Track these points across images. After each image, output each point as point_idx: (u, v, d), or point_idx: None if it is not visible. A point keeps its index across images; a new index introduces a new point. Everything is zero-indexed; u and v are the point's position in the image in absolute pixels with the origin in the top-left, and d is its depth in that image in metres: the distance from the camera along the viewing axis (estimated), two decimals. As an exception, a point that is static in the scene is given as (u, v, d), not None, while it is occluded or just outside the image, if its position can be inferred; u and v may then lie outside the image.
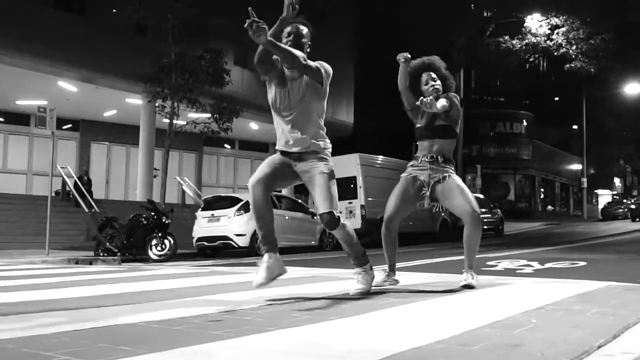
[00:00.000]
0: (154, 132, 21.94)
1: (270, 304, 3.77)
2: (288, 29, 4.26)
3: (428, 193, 4.70)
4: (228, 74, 17.40)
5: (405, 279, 5.54)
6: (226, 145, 29.96)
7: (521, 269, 7.87)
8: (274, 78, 4.28)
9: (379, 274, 4.79)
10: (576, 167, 50.23)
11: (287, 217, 15.53)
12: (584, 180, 46.15)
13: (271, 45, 3.92)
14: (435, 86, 4.76)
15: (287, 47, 4.06)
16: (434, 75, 4.80)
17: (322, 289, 4.77)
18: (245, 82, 23.95)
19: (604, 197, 56.76)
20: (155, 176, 22.44)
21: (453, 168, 4.79)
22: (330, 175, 4.20)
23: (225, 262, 11.61)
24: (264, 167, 4.27)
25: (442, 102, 4.52)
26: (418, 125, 4.86)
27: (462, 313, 3.41)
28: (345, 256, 4.55)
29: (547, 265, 8.37)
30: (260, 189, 4.15)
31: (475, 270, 4.82)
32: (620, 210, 44.73)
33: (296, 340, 2.60)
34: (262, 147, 31.65)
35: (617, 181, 63.45)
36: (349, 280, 5.46)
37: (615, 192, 59.10)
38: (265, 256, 4.15)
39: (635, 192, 61.93)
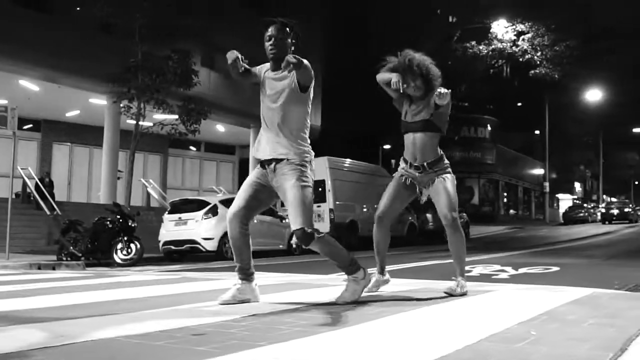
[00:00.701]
0: (118, 133, 21.49)
1: (254, 315, 3.60)
2: (268, 32, 4.12)
3: (422, 189, 4.77)
4: (196, 75, 17.11)
5: (385, 286, 5.41)
6: (192, 148, 29.56)
7: (496, 275, 7.84)
8: (256, 81, 4.25)
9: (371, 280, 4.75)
10: (538, 171, 51.00)
11: (255, 221, 15.27)
12: (546, 184, 46.87)
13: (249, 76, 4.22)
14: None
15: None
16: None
17: (305, 297, 4.61)
18: (212, 84, 23.64)
19: (565, 201, 57.79)
20: (119, 178, 21.98)
21: (444, 164, 4.71)
22: (303, 187, 4.03)
23: (193, 267, 11.36)
24: (243, 192, 4.22)
25: (449, 97, 4.50)
26: (402, 119, 4.84)
27: (456, 324, 3.29)
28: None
29: (522, 270, 8.36)
30: (236, 224, 4.16)
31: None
32: (581, 215, 45.65)
33: (289, 357, 2.44)
34: (229, 149, 31.34)
35: (577, 186, 64.65)
36: (331, 287, 5.32)
37: (575, 197, 60.24)
38: (238, 282, 4.25)
39: (594, 197, 63.22)
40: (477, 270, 8.44)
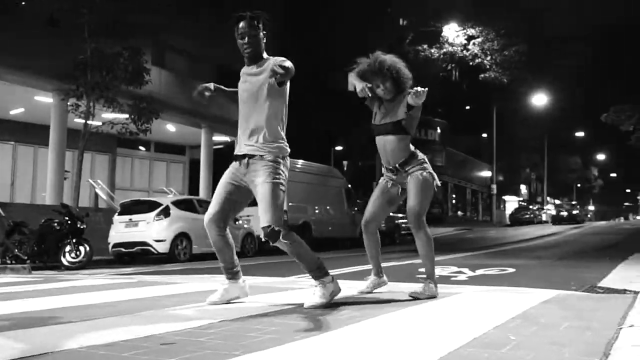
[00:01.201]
0: (65, 132, 20.81)
1: (222, 322, 3.46)
2: (239, 29, 4.06)
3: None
4: (148, 73, 16.71)
5: (349, 289, 5.33)
6: (141, 147, 28.91)
7: (455, 276, 7.85)
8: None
9: (363, 282, 5.00)
10: (486, 174, 51.95)
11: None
12: (494, 187, 47.77)
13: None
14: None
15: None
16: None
17: (271, 301, 4.49)
18: (163, 83, 23.18)
19: (511, 203, 59.04)
20: (65, 178, 21.31)
21: (418, 161, 4.67)
22: (275, 184, 4.03)
23: (147, 270, 11.05)
24: (217, 196, 4.22)
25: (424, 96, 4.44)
26: (372, 122, 4.83)
27: (433, 329, 3.22)
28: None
29: (478, 272, 8.40)
30: (213, 229, 4.20)
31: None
32: (527, 216, 46.72)
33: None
34: (179, 149, 30.80)
35: (523, 188, 66.17)
36: (296, 290, 5.22)
37: (521, 199, 61.64)
38: (226, 281, 4.35)
39: (539, 199, 64.82)
40: (435, 271, 8.43)
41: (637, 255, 12.17)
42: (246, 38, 4.03)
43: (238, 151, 4.17)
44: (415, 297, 4.53)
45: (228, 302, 4.24)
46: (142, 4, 16.94)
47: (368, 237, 4.90)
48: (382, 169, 4.91)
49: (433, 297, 4.56)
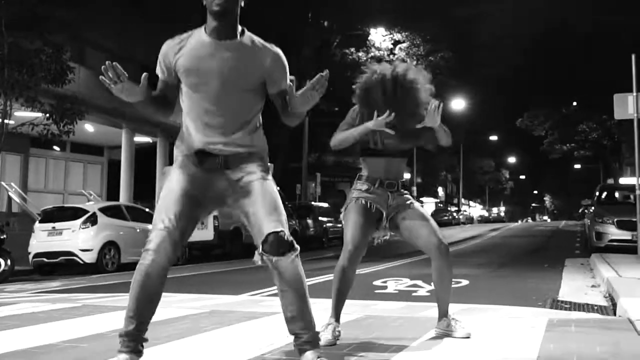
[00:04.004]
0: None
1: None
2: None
3: (387, 224, 3.91)
4: (72, 72, 15.72)
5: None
6: (56, 148, 27.37)
7: (415, 291, 7.68)
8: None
9: (325, 331, 3.70)
10: (406, 176, 52.81)
11: (138, 230, 14.31)
12: (414, 189, 48.58)
13: None
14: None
15: None
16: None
17: (259, 335, 4.08)
18: (82, 81, 22.00)
19: (429, 204, 60.37)
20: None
21: (411, 192, 4.22)
22: (273, 183, 3.03)
23: (75, 284, 10.30)
24: (169, 211, 2.91)
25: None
26: (372, 145, 3.95)
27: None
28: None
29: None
30: (165, 259, 2.86)
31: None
32: (446, 218, 47.90)
33: None
34: (97, 150, 29.45)
35: (440, 190, 67.81)
36: (273, 317, 4.77)
37: (438, 200, 63.17)
38: (124, 352, 2.84)
39: (455, 200, 66.63)
40: (391, 286, 8.25)
41: (569, 261, 12.50)
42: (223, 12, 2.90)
43: (207, 148, 3.00)
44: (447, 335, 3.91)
45: None
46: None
47: (349, 276, 3.81)
48: (359, 188, 3.96)
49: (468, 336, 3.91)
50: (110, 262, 13.51)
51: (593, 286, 8.13)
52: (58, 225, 13.42)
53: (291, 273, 2.83)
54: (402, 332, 4.17)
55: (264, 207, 2.87)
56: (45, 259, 13.34)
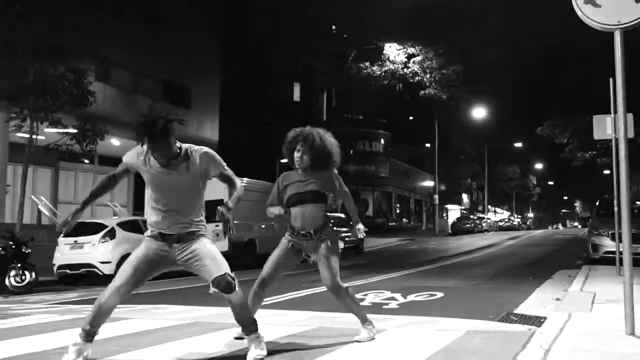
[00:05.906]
0: (7, 148, 20.68)
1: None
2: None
3: (306, 257, 5.12)
4: (93, 95, 16.84)
5: (280, 327, 5.79)
6: (85, 161, 28.69)
7: (387, 304, 8.36)
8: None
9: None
10: (429, 183, 53.29)
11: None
12: (436, 197, 49.06)
13: None
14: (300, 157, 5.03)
15: None
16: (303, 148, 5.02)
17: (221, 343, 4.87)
18: (107, 99, 23.24)
19: (454, 211, 60.67)
20: (7, 192, 21.12)
21: (329, 229, 5.03)
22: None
23: (90, 294, 11.25)
24: (133, 269, 4.27)
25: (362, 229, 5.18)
26: (289, 194, 5.06)
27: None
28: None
29: (410, 298, 8.94)
30: (116, 299, 4.25)
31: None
32: (468, 225, 48.13)
33: None
34: (124, 163, 30.63)
35: (464, 197, 67.96)
36: (221, 331, 5.52)
37: (463, 207, 63.36)
38: (79, 340, 4.23)
39: (480, 207, 66.70)
40: (369, 298, 8.94)
41: (560, 273, 12.95)
42: (157, 151, 4.27)
43: (166, 230, 4.33)
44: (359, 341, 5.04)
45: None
46: (81, 20, 16.98)
47: (262, 294, 5.02)
48: (287, 233, 5.09)
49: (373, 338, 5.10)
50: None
51: (558, 299, 8.64)
52: (80, 239, 14.44)
53: (237, 301, 4.31)
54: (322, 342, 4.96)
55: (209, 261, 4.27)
56: (68, 271, 14.39)
